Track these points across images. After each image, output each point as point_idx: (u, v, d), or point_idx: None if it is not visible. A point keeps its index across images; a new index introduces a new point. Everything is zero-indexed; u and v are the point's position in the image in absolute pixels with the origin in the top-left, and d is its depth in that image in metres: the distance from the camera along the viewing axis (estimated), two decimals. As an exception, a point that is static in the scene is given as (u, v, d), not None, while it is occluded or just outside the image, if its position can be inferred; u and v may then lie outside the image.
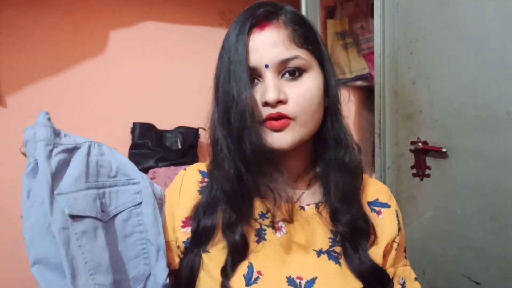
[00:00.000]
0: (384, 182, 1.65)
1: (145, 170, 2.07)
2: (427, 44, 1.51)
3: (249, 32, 0.71)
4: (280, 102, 0.70)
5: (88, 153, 0.76)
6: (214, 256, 0.74)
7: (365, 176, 0.84)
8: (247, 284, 0.72)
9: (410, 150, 1.60)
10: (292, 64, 0.71)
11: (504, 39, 1.31)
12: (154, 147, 2.11)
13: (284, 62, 0.71)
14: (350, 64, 2.57)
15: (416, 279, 0.82)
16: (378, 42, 1.64)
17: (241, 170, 0.71)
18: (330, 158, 0.76)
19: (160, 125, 2.20)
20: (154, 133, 2.15)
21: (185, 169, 0.85)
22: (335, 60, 2.57)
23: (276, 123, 0.70)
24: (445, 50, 1.45)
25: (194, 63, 2.23)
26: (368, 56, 2.54)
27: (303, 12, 1.98)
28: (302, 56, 0.71)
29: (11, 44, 1.96)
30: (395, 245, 0.79)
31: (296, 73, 0.72)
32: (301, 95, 0.71)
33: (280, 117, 0.70)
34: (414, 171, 1.59)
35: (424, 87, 1.52)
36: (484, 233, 1.41)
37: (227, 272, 0.72)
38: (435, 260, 1.54)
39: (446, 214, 1.51)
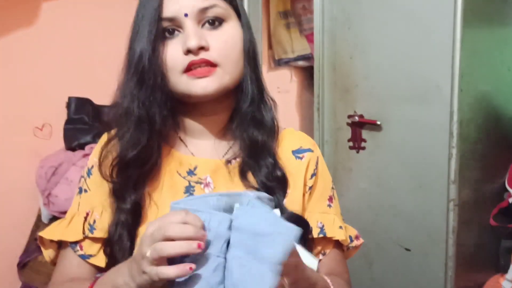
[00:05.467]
0: (322, 155, 1.69)
1: (81, 146, 2.00)
2: (364, 20, 1.55)
3: None
4: (202, 48, 0.70)
5: None
6: None
7: (291, 129, 0.86)
8: None
9: (347, 124, 1.64)
10: (212, 12, 0.72)
11: (436, 15, 1.37)
12: (91, 122, 2.04)
13: (203, 10, 0.71)
14: (292, 43, 2.59)
15: (341, 227, 0.81)
16: (317, 17, 1.66)
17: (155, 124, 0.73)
18: (247, 112, 0.77)
19: (98, 100, 2.13)
20: (91, 107, 2.07)
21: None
22: (278, 39, 2.58)
23: (200, 70, 0.71)
24: (380, 24, 1.50)
25: (133, 37, 2.16)
26: (310, 37, 2.57)
27: (246, -11, 1.98)
28: (220, 5, 0.73)
29: None
30: (306, 188, 0.80)
31: (216, 22, 0.73)
32: (224, 41, 0.72)
33: (204, 63, 0.71)
34: (351, 144, 1.64)
35: (361, 61, 1.57)
36: (414, 202, 1.48)
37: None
38: (369, 229, 1.60)
39: (379, 185, 1.57)
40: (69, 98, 2.07)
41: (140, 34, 0.72)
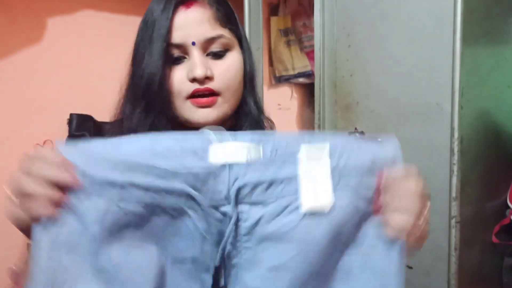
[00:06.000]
0: (324, 172, 1.69)
1: (82, 163, 2.00)
2: (364, 38, 1.56)
3: (174, 10, 0.74)
4: (207, 78, 0.74)
5: None
6: None
7: None
8: None
9: (348, 141, 1.64)
10: (218, 43, 0.75)
11: (435, 33, 1.38)
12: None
13: (210, 40, 0.75)
14: (293, 61, 2.61)
15: None
16: (318, 35, 1.68)
17: None
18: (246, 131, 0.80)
19: (100, 117, 2.13)
20: (92, 124, 2.08)
21: None
22: (278, 57, 2.61)
23: (203, 100, 0.75)
24: (380, 43, 1.51)
25: (135, 54, 2.17)
26: (310, 54, 2.59)
27: (246, 8, 1.99)
28: (226, 35, 0.76)
29: None
30: None
31: (220, 51, 0.76)
32: (227, 71, 0.76)
33: (207, 92, 0.74)
34: (352, 161, 1.64)
35: (361, 79, 1.58)
36: (416, 219, 1.48)
37: None
38: (371, 246, 1.59)
39: (381, 202, 1.57)
40: (71, 115, 2.08)
41: (148, 58, 0.74)
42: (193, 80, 0.73)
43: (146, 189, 0.54)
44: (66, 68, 2.12)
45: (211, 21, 0.74)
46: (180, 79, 0.74)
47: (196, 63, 0.73)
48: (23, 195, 0.53)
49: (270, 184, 0.55)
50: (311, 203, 0.55)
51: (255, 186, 0.55)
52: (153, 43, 0.73)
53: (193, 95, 0.74)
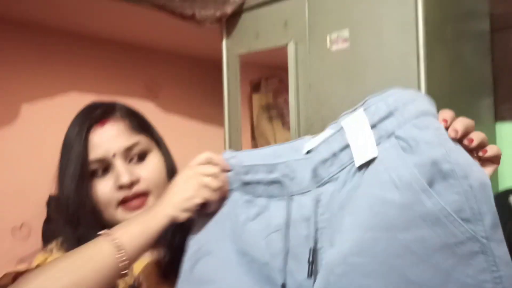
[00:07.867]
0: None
1: (59, 246, 1.96)
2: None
3: (90, 130, 0.81)
4: (133, 183, 0.80)
5: None
6: None
7: None
8: None
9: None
10: (136, 149, 0.82)
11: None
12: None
13: (129, 148, 0.81)
14: (275, 135, 2.65)
15: None
16: (293, 118, 1.71)
17: None
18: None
19: (79, 198, 2.12)
20: (71, 206, 2.06)
21: None
22: (261, 132, 2.65)
23: (134, 203, 0.79)
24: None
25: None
26: (293, 128, 2.64)
27: (225, 87, 2.07)
28: (142, 141, 0.84)
29: None
30: None
31: (141, 156, 0.83)
32: (151, 171, 0.82)
33: (136, 196, 0.80)
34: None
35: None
36: None
37: None
38: None
39: None
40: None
41: (67, 181, 0.80)
42: (120, 187, 0.78)
43: (263, 183, 0.69)
44: (45, 150, 2.13)
45: (126, 132, 0.82)
46: (108, 189, 0.79)
47: (120, 172, 0.78)
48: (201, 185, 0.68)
49: (333, 157, 0.64)
50: (361, 156, 0.61)
51: (323, 163, 0.64)
52: (70, 166, 0.79)
53: (123, 201, 0.79)
